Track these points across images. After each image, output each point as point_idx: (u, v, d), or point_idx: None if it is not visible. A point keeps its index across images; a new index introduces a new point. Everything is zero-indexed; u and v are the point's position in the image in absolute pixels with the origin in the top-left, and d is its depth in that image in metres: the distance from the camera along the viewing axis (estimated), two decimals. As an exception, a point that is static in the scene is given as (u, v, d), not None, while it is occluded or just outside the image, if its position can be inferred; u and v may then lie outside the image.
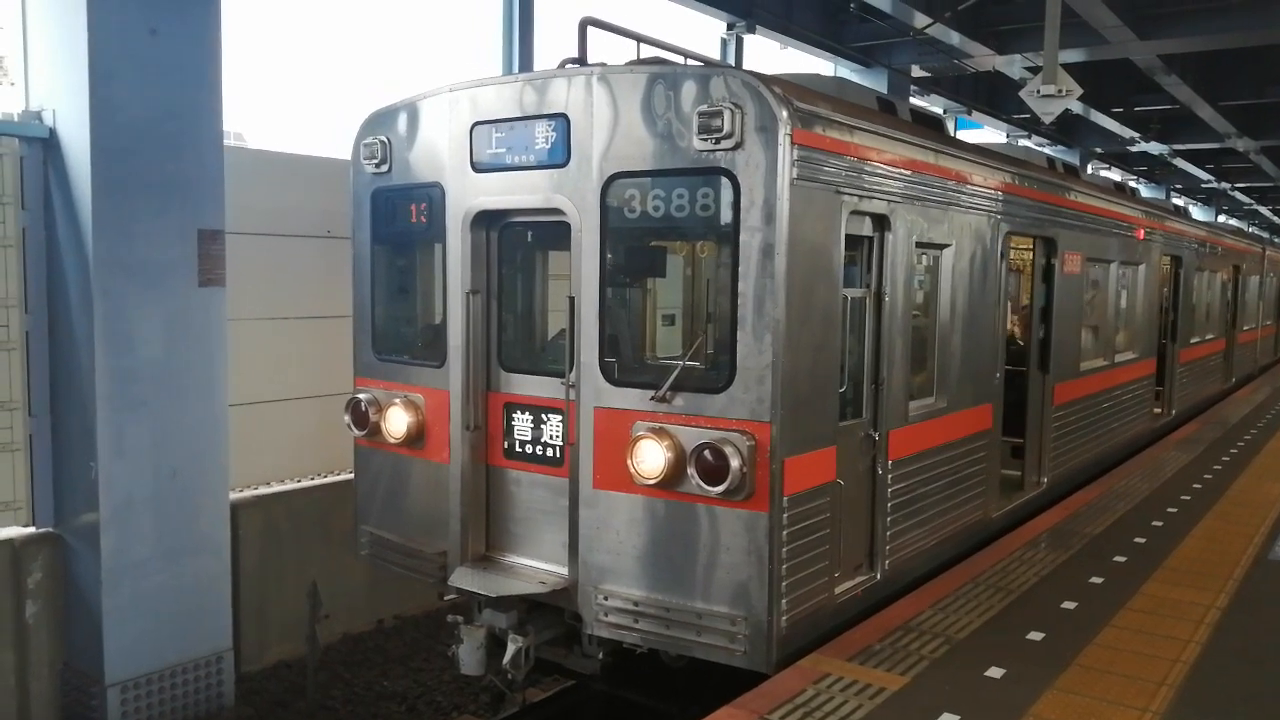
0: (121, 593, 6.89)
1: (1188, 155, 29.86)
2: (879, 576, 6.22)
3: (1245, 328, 19.63)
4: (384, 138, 6.48)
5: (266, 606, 8.40)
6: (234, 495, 8.14)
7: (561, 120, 5.62)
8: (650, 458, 5.31)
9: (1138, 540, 7.83)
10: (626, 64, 5.75)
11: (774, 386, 5.09)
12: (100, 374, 6.70)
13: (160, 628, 7.09)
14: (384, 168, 6.51)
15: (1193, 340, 15.01)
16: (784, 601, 5.21)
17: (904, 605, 6.18)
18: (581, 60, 5.98)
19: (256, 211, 8.73)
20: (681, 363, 5.40)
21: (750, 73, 5.28)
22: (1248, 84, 21.11)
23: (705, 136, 5.11)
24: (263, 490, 8.73)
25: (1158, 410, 13.33)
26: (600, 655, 5.87)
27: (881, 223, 6.11)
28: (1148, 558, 7.36)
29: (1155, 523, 8.40)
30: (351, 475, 7.15)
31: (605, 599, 5.57)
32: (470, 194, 6.05)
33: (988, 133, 23.01)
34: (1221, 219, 41.69)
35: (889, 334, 6.19)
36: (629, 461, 5.37)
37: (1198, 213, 36.54)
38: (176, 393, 7.11)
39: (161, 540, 7.08)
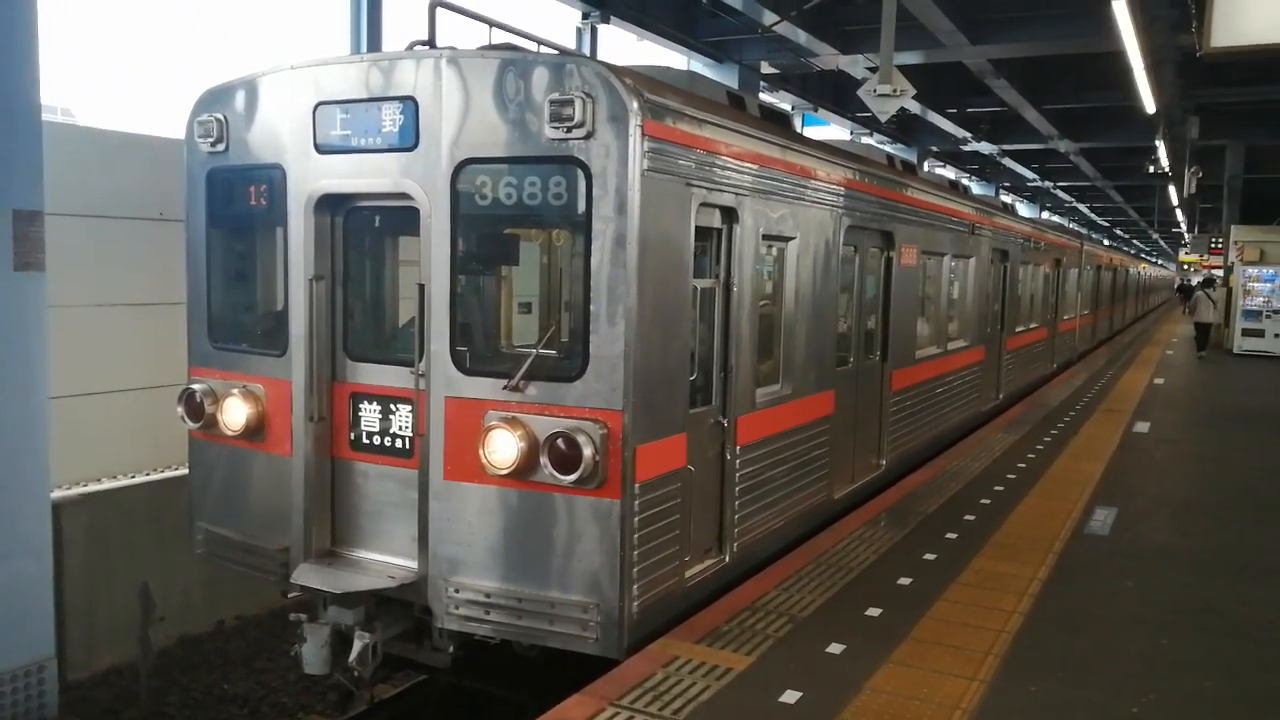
0: (-75, 602, 6.35)
1: (1015, 155, 31.78)
2: (728, 559, 6.38)
3: (1066, 317, 21.01)
4: (220, 115, 6.18)
5: (95, 610, 7.91)
6: (58, 493, 7.63)
7: (410, 103, 5.50)
8: (503, 448, 5.27)
9: (967, 518, 8.30)
10: (478, 49, 5.67)
11: (626, 375, 5.14)
12: (-101, 365, 6.15)
13: (-30, 638, 6.58)
14: (220, 147, 6.21)
15: (1018, 329, 15.98)
16: (635, 587, 5.28)
17: (751, 586, 6.36)
18: (431, 43, 5.86)
19: (82, 191, 8.18)
20: (534, 352, 5.38)
21: (602, 63, 5.29)
22: (1069, 89, 22.63)
23: (557, 125, 5.09)
24: (90, 487, 8.22)
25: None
26: (451, 648, 5.80)
27: (730, 215, 6.25)
28: (976, 534, 7.81)
29: (984, 501, 8.92)
30: (186, 470, 6.80)
31: (456, 591, 5.51)
32: (313, 176, 5.84)
33: (833, 130, 23.83)
34: (1045, 215, 44.51)
35: (737, 323, 6.34)
36: (481, 452, 5.32)
37: (1024, 209, 38.92)
38: (-12, 385, 6.59)
39: (-28, 545, 6.56)
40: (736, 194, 6.21)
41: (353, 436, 6.00)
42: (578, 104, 5.04)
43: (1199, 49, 6.12)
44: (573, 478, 5.13)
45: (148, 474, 8.72)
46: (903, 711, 4.70)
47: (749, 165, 6.35)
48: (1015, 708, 4.81)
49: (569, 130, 5.08)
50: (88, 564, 7.85)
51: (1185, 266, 52.66)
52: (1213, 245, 37.07)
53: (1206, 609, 6.39)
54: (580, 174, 5.14)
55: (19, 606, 6.84)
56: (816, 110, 22.09)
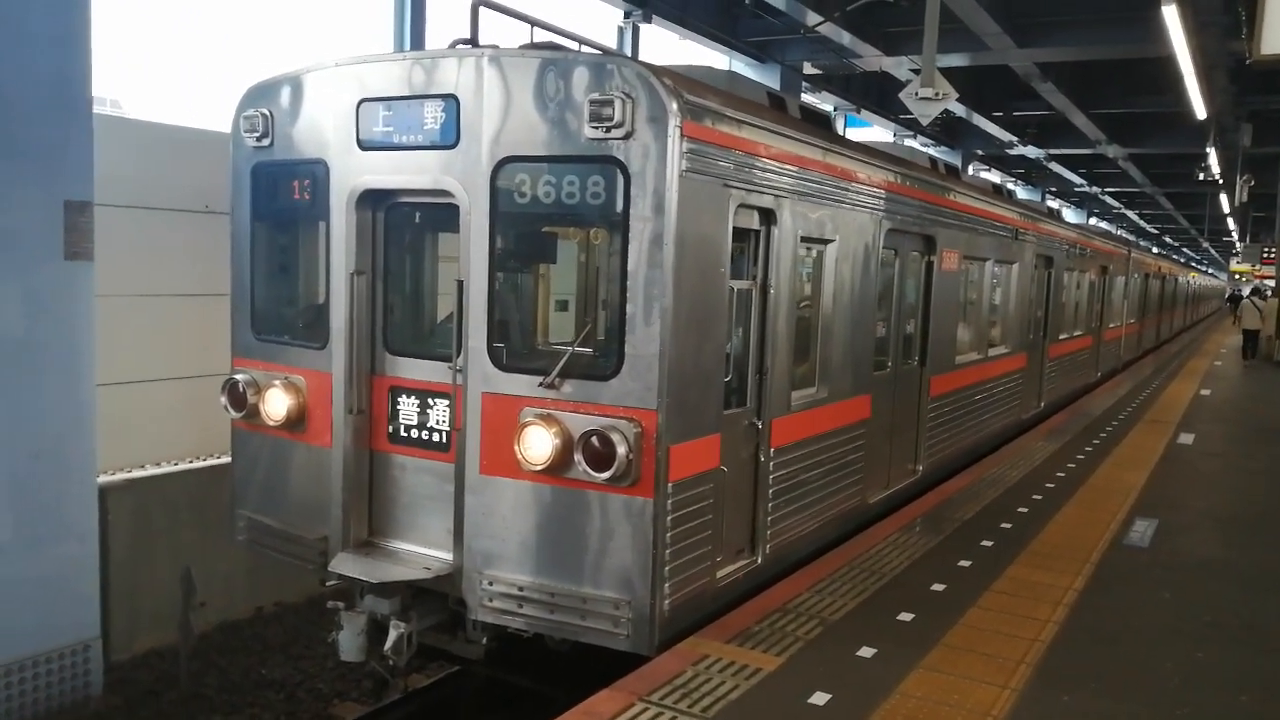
0: (-24, 581, 6.53)
1: (1062, 160, 31.32)
2: (760, 560, 6.38)
3: (1111, 325, 20.70)
4: (265, 110, 6.29)
5: (138, 593, 8.09)
6: (104, 478, 7.82)
7: (451, 101, 5.56)
8: (538, 444, 5.32)
9: (1004, 525, 8.22)
10: (519, 48, 5.72)
11: (661, 375, 5.16)
12: (-47, 351, 6.33)
13: (20, 617, 6.73)
14: (265, 141, 6.32)
15: (1062, 336, 15.77)
16: (667, 585, 5.30)
17: (782, 588, 6.35)
18: (473, 41, 5.93)
19: (130, 183, 8.37)
20: (570, 349, 5.41)
21: (642, 63, 5.32)
22: (1117, 94, 22.27)
23: (596, 125, 5.13)
24: (135, 474, 8.40)
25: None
26: (484, 640, 5.86)
27: (768, 216, 6.24)
28: (1013, 542, 7.73)
29: (1021, 509, 8.82)
30: (229, 459, 6.93)
31: (490, 584, 5.57)
32: (355, 172, 5.93)
33: (877, 131, 23.67)
34: (1093, 222, 43.84)
35: (773, 325, 6.33)
36: (516, 447, 5.37)
37: (1070, 215, 38.37)
38: (38, 371, 6.75)
39: (21, 526, 6.73)
40: (775, 195, 6.21)
41: (391, 430, 6.08)
42: (617, 104, 5.07)
43: (1249, 56, 6.01)
44: (606, 475, 5.16)
45: (191, 462, 8.91)
46: (932, 716, 4.68)
47: (788, 167, 6.34)
48: (1047, 717, 4.77)
49: (608, 130, 5.11)
50: (132, 548, 8.02)
51: (1237, 276, 51.61)
52: (1265, 255, 36.30)
53: (1245, 624, 6.28)
54: (619, 174, 5.17)
55: (66, 588, 7.03)
56: (860, 112, 21.94)
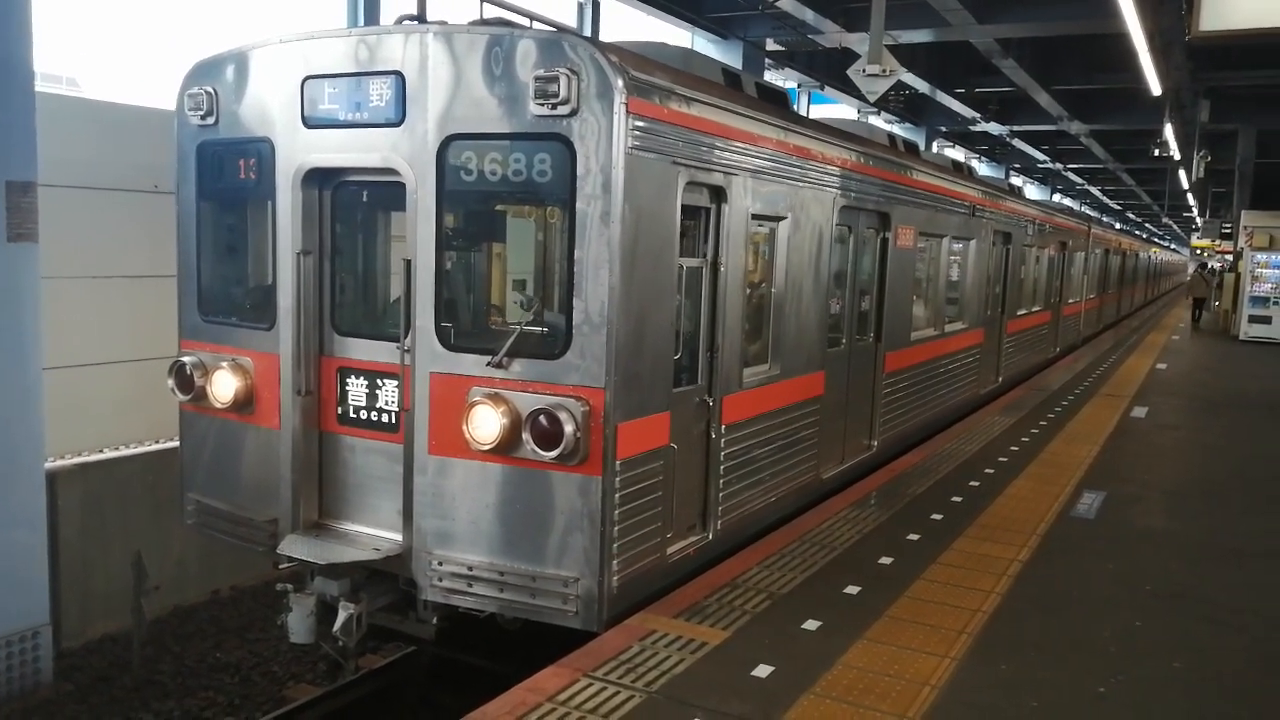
0: (-79, 568, 6.45)
1: (1025, 136, 31.56)
2: (711, 536, 6.43)
3: (1070, 301, 20.92)
4: (210, 88, 6.20)
5: (90, 579, 8.02)
6: (52, 463, 7.73)
7: (397, 78, 5.51)
8: (486, 424, 5.32)
9: (955, 499, 8.33)
10: (466, 24, 5.67)
11: (609, 353, 5.17)
12: (-107, 334, 6.22)
13: (-34, 603, 6.68)
14: (210, 120, 6.23)
15: (1020, 312, 15.93)
16: (615, 563, 5.33)
17: (733, 563, 6.41)
18: (420, 17, 5.86)
19: (76, 163, 8.23)
20: (518, 329, 5.41)
21: (589, 40, 5.30)
22: (1078, 70, 22.46)
23: (542, 102, 5.10)
24: (85, 458, 8.31)
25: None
26: (435, 620, 5.87)
27: (718, 194, 6.25)
28: (962, 516, 7.84)
29: (973, 483, 8.94)
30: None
31: (440, 564, 5.58)
32: (301, 150, 5.87)
33: (841, 108, 23.69)
34: (1056, 198, 44.21)
35: (724, 303, 6.35)
36: (464, 427, 5.37)
37: (1034, 192, 38.65)
38: (-18, 354, 6.66)
39: (-34, 512, 6.65)
40: (726, 173, 6.21)
41: (340, 411, 6.05)
42: (563, 80, 5.05)
43: (1188, 32, 6.10)
44: (554, 454, 5.17)
45: (146, 445, 8.82)
46: (872, 686, 4.76)
47: (739, 144, 6.34)
48: (984, 686, 4.86)
49: (554, 107, 5.09)
50: (82, 533, 7.95)
51: (1199, 251, 52.21)
52: (1223, 230, 36.83)
53: (1184, 593, 6.43)
54: (565, 151, 5.15)
55: (14, 574, 6.95)
56: (823, 88, 21.98)
